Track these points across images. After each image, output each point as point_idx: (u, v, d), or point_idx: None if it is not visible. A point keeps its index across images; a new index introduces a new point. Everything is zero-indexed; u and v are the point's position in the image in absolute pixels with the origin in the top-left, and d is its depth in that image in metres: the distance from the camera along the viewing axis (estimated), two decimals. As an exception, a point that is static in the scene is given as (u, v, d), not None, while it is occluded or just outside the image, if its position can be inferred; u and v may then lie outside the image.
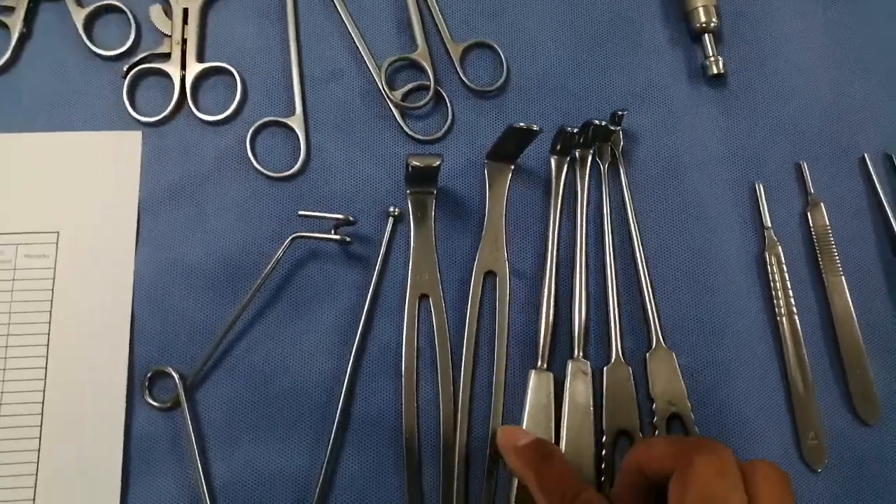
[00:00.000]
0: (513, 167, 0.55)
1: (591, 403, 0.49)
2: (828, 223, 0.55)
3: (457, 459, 0.49)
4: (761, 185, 0.55)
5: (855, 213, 0.56)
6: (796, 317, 0.53)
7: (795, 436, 0.51)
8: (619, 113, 0.54)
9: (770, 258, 0.54)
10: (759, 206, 0.55)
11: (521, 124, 0.48)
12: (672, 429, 0.50)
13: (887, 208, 0.55)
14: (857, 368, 0.52)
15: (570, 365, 0.50)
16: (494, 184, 0.54)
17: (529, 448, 0.45)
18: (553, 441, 0.48)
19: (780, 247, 0.54)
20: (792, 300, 0.53)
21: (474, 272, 0.52)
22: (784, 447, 0.51)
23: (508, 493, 0.48)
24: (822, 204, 0.55)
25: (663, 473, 0.37)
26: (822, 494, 0.50)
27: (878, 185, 0.56)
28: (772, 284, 0.53)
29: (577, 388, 0.50)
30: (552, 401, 0.49)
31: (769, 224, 0.55)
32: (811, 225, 0.55)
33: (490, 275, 0.53)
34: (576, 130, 0.52)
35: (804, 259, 0.55)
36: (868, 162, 0.57)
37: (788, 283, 0.53)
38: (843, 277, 0.54)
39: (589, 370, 0.50)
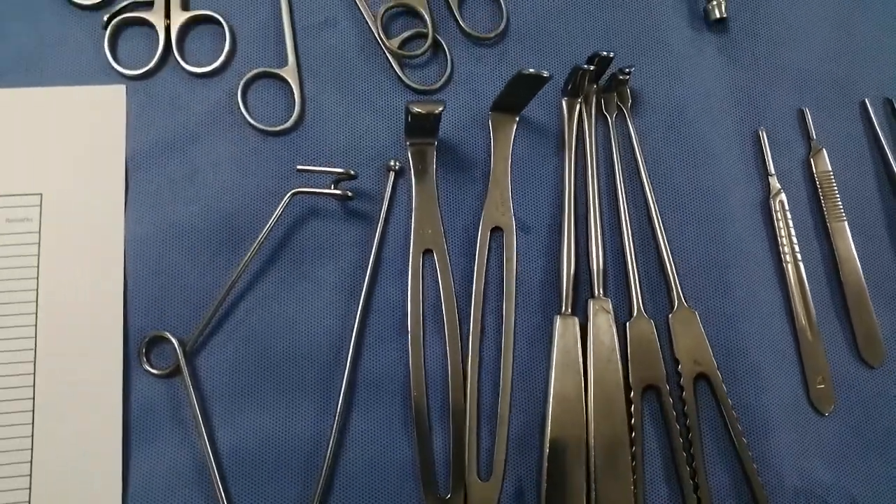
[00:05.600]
0: (517, 119, 0.53)
1: (616, 345, 0.48)
2: (830, 169, 0.55)
3: (468, 416, 0.48)
4: (765, 132, 0.55)
5: (857, 159, 0.56)
6: (801, 263, 0.52)
7: (804, 381, 0.51)
8: (627, 70, 0.52)
9: (774, 205, 0.53)
10: (762, 153, 0.54)
11: (531, 70, 0.46)
12: (699, 388, 0.50)
13: (888, 153, 0.55)
14: (862, 312, 0.52)
15: (591, 303, 0.49)
16: (499, 136, 0.53)
17: None
18: (582, 388, 0.47)
19: (783, 193, 0.54)
20: (797, 247, 0.53)
21: (480, 229, 0.51)
22: (793, 392, 0.51)
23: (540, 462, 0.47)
24: (824, 150, 0.55)
25: None
26: (831, 438, 0.50)
27: (878, 131, 0.56)
28: (777, 231, 0.53)
29: (601, 325, 0.49)
30: (578, 346, 0.48)
31: (773, 171, 0.54)
32: (814, 171, 0.55)
33: (496, 230, 0.51)
34: (591, 68, 0.51)
35: (807, 205, 0.55)
36: (869, 107, 0.56)
37: (793, 229, 0.53)
38: (846, 223, 0.54)
39: (610, 308, 0.49)
